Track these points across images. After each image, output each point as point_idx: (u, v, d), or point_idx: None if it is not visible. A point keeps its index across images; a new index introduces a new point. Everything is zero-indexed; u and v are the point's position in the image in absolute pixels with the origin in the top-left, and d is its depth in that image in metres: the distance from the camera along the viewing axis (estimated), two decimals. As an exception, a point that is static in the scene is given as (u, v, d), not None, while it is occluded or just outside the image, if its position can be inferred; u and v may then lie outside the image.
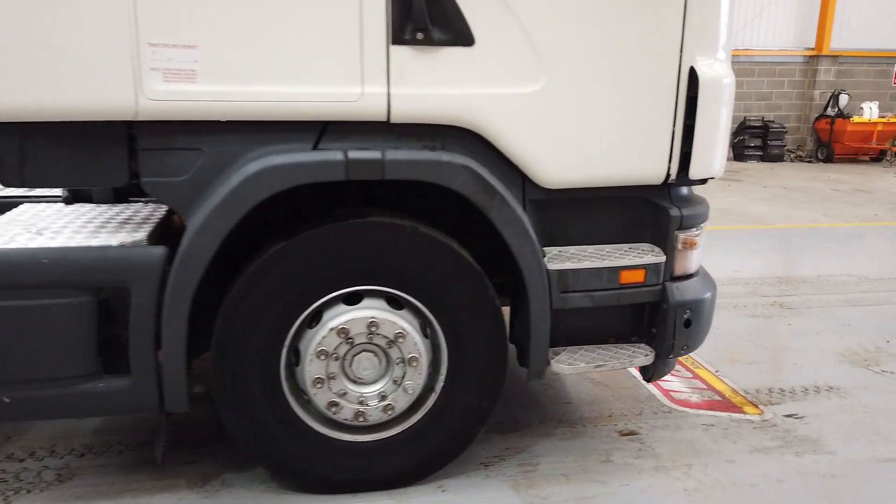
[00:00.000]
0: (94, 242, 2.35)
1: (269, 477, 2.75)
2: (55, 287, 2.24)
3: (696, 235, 2.75)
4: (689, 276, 2.82)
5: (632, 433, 3.24)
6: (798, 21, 16.19)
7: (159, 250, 2.32)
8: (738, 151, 15.79)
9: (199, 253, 2.30)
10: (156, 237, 2.50)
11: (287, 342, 2.50)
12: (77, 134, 2.23)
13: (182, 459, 2.93)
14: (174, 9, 2.13)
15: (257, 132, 2.34)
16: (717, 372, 3.95)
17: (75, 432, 3.14)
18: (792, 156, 16.25)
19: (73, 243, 2.34)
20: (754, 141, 15.78)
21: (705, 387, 3.76)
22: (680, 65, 2.54)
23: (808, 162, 15.91)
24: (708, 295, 2.83)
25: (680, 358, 4.02)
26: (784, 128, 15.90)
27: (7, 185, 2.29)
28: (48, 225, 2.53)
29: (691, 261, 2.79)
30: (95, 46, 2.12)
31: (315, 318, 2.54)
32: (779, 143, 15.77)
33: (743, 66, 16.05)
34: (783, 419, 3.39)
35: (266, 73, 2.24)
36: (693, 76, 2.53)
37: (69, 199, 2.93)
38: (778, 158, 15.74)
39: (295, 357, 2.56)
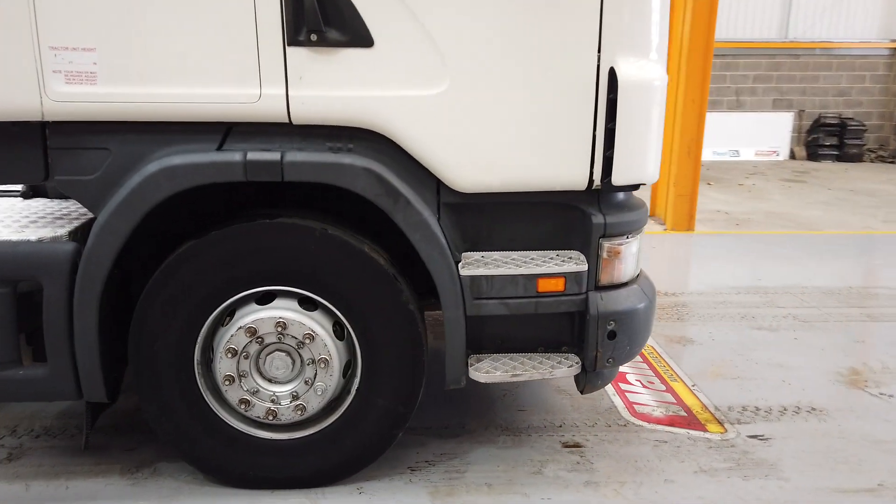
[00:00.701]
0: (16, 237, 2.47)
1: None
2: (-34, 280, 2.38)
3: (621, 244, 2.62)
4: (619, 286, 2.69)
5: (576, 445, 3.13)
6: (883, 10, 15.10)
7: (69, 246, 2.42)
8: (812, 150, 14.95)
9: (103, 250, 2.38)
10: (82, 233, 2.60)
11: (200, 339, 2.56)
12: (-7, 133, 2.35)
13: (125, 447, 3.05)
14: (72, 12, 2.21)
15: (163, 133, 2.39)
16: (693, 386, 3.76)
17: (39, 414, 3.32)
18: (872, 156, 15.20)
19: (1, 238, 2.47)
20: (830, 140, 14.87)
21: (674, 401, 3.58)
22: (598, 66, 2.42)
23: (889, 163, 14.84)
24: (640, 306, 2.70)
25: (659, 369, 3.88)
26: (864, 126, 14.89)
27: (-72, 182, 2.44)
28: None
29: (620, 270, 2.66)
30: (8, 53, 2.22)
31: (229, 317, 2.58)
32: (857, 141, 14.79)
33: (819, 59, 15.15)
34: (745, 440, 3.20)
35: (165, 75, 2.29)
36: (613, 78, 2.41)
37: (27, 194, 3.10)
38: (856, 158, 14.77)
39: (211, 354, 2.61)
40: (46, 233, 2.51)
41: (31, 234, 2.48)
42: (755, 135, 15.68)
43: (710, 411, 3.47)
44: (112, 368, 2.58)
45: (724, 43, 14.96)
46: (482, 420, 3.34)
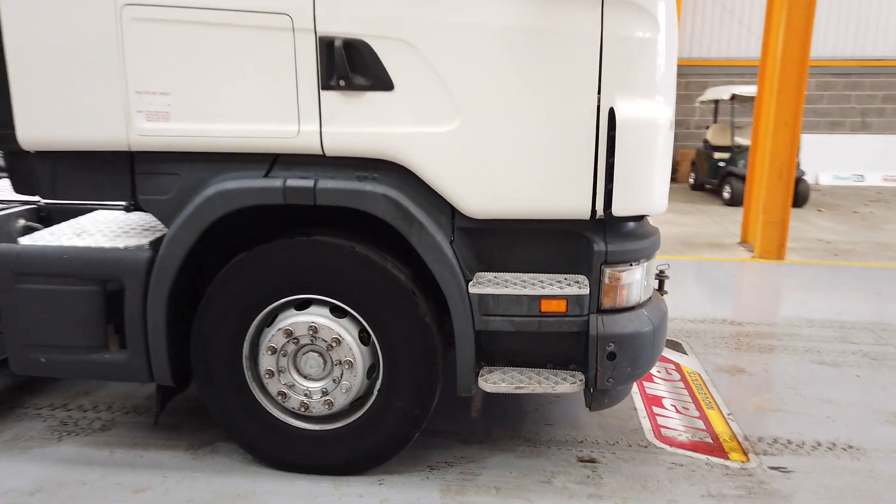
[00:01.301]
0: (108, 244, 3.01)
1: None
2: (72, 277, 2.94)
3: (622, 271, 2.79)
4: (623, 310, 2.85)
5: (591, 460, 3.29)
6: None
7: (146, 254, 2.93)
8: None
9: (171, 258, 2.86)
10: (159, 244, 3.10)
11: (248, 337, 2.99)
12: (92, 160, 2.90)
13: (194, 428, 3.54)
14: (152, 63, 2.71)
15: (222, 161, 2.85)
16: (729, 415, 3.78)
17: (131, 395, 3.91)
18: None
19: (96, 244, 3.03)
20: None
21: (703, 428, 3.63)
22: (599, 106, 2.63)
23: None
24: (641, 330, 2.84)
25: (699, 396, 3.94)
26: None
27: (44, 198, 3.04)
28: (89, 228, 3.27)
29: (622, 295, 2.83)
30: (99, 95, 2.76)
31: (273, 319, 3.00)
32: None
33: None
34: (765, 470, 3.21)
35: (222, 114, 2.75)
36: (612, 117, 2.61)
37: (129, 208, 3.68)
38: None
39: (257, 350, 3.03)
40: (132, 242, 3.04)
41: (120, 243, 3.02)
42: (883, 159, 14.69)
43: (737, 440, 3.50)
44: (178, 358, 3.06)
45: (848, 61, 14.18)
46: (507, 430, 3.57)
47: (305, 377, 3.02)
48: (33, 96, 2.80)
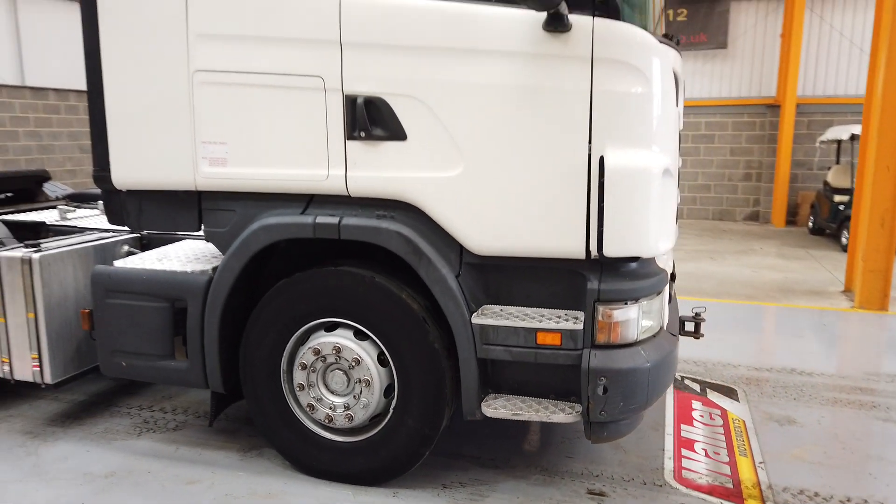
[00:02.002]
0: (179, 269, 3.56)
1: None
2: (148, 294, 3.50)
3: (615, 309, 2.93)
4: (619, 346, 2.99)
5: (600, 494, 3.39)
6: None
7: (205, 277, 3.44)
8: None
9: (223, 282, 3.35)
10: (223, 269, 3.61)
11: (285, 354, 3.41)
12: (169, 198, 3.47)
13: (248, 433, 4.00)
14: (214, 118, 3.24)
15: (269, 200, 3.32)
16: (761, 463, 3.72)
17: (204, 402, 4.44)
18: None
19: (170, 268, 3.58)
20: None
21: (728, 473, 3.60)
22: (590, 154, 2.83)
23: None
24: (637, 366, 2.95)
25: (735, 442, 3.92)
26: None
27: (131, 228, 3.65)
28: (170, 254, 3.85)
29: (617, 332, 2.96)
30: (174, 144, 3.33)
31: (307, 339, 3.40)
32: None
33: None
34: (778, 520, 3.17)
35: (268, 160, 3.22)
36: (602, 165, 2.80)
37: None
38: None
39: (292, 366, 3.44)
40: (198, 267, 3.57)
41: (189, 267, 3.56)
42: None
43: (759, 488, 3.45)
44: (230, 368, 3.53)
45: None
46: (526, 459, 3.73)
47: (332, 392, 3.38)
48: (125, 145, 3.42)
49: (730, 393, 4.76)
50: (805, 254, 10.87)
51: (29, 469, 3.62)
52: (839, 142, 12.61)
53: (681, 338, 3.98)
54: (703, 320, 3.97)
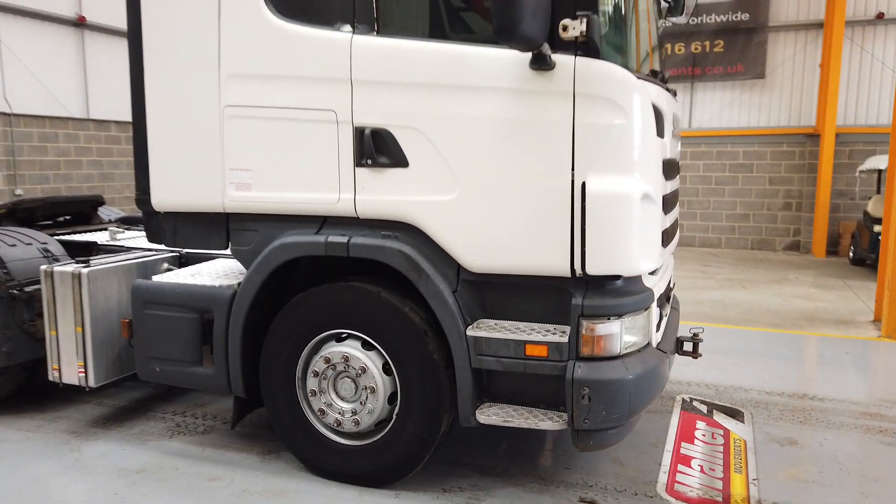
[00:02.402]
0: (208, 283, 3.92)
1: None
2: (179, 306, 3.87)
3: (597, 324, 3.15)
4: (603, 358, 3.19)
5: (591, 502, 3.56)
6: None
7: (229, 291, 3.79)
8: None
9: (245, 295, 3.69)
10: (247, 284, 3.96)
11: (300, 362, 3.71)
12: (201, 219, 3.86)
13: (270, 438, 4.31)
14: (241, 147, 3.62)
15: (288, 221, 3.66)
16: (754, 480, 3.83)
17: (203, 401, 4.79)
18: None
19: (201, 283, 3.95)
20: None
21: (720, 489, 3.73)
22: (573, 181, 3.09)
23: None
24: (618, 378, 3.14)
25: (732, 460, 4.04)
26: None
27: (167, 246, 4.04)
28: (202, 271, 4.23)
29: (600, 345, 3.16)
30: (206, 170, 3.71)
31: (319, 348, 3.70)
32: None
33: None
34: (760, 531, 3.29)
35: (287, 185, 3.57)
36: (584, 190, 3.05)
37: (239, 257, 4.64)
38: None
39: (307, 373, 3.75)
40: (224, 282, 3.93)
41: (216, 282, 3.92)
42: None
43: (748, 503, 3.57)
44: (252, 376, 3.85)
45: None
46: (526, 468, 3.93)
47: (341, 398, 3.66)
48: (164, 171, 3.84)
49: (736, 414, 4.85)
50: (841, 284, 10.74)
51: (71, 463, 4.00)
52: (879, 171, 12.45)
53: (694, 360, 4.18)
54: (701, 340, 4.14)
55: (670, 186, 3.87)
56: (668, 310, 4.11)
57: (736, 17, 14.21)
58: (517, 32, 2.82)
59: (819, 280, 11.08)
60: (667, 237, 3.78)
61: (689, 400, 5.09)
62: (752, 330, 7.47)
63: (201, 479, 3.79)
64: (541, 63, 3.02)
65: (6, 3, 11.97)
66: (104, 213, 6.54)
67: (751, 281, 10.83)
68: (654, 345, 3.54)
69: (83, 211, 6.29)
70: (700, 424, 4.65)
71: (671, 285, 4.41)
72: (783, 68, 14.30)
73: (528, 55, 3.04)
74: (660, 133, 3.35)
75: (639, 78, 3.19)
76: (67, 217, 6.20)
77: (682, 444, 4.32)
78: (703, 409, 4.95)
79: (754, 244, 14.80)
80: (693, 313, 8.04)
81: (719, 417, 4.79)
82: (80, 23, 13.28)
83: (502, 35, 2.84)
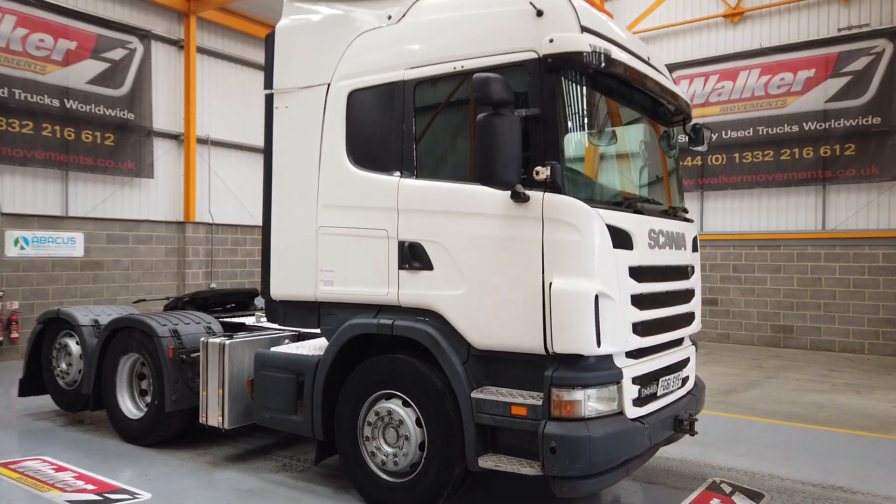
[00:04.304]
0: (304, 353, 5.35)
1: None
2: (282, 369, 5.33)
3: (563, 391, 4.07)
4: (570, 420, 4.09)
5: (575, 544, 4.35)
6: None
7: (315, 359, 5.17)
8: None
9: (324, 363, 5.05)
10: (332, 355, 5.34)
11: (361, 413, 4.95)
12: (300, 306, 5.35)
13: (345, 478, 5.53)
14: (327, 253, 5.10)
15: (356, 308, 5.02)
16: (732, 544, 4.37)
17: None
18: None
19: (299, 353, 5.39)
20: None
21: (695, 546, 4.33)
22: (543, 281, 4.16)
23: None
24: (577, 435, 4.02)
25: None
26: None
27: (279, 325, 5.56)
28: (305, 346, 5.69)
29: (567, 409, 4.07)
30: (305, 271, 5.23)
31: (373, 404, 4.93)
32: None
33: None
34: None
35: (356, 281, 4.96)
36: (550, 289, 4.11)
37: (337, 337, 6.07)
38: None
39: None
40: (315, 353, 5.33)
41: (309, 353, 5.34)
42: None
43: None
44: (330, 424, 5.14)
45: None
46: (535, 517, 4.78)
47: (387, 444, 4.83)
48: (279, 271, 5.44)
49: (756, 497, 5.29)
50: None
51: (205, 482, 5.49)
52: None
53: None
54: (696, 420, 4.83)
55: (666, 287, 4.77)
56: (675, 389, 4.87)
57: (867, 120, 14.17)
58: (495, 178, 4.07)
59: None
60: (659, 327, 4.65)
61: (717, 482, 5.59)
62: (830, 430, 7.54)
63: (289, 500, 5.08)
64: (517, 198, 4.20)
65: (215, 139, 15.24)
66: (258, 301, 8.40)
67: (871, 387, 10.46)
68: (631, 416, 4.36)
69: (242, 300, 8.19)
70: (714, 502, 5.18)
71: (684, 371, 5.12)
72: (924, 169, 13.85)
73: (509, 192, 4.23)
74: (622, 246, 4.32)
75: (607, 205, 4.29)
76: (232, 305, 8.12)
77: (687, 513, 4.91)
78: (727, 489, 5.44)
79: (904, 351, 13.91)
80: (779, 412, 8.24)
81: (738, 499, 5.26)
82: (268, 149, 16.36)
83: (485, 180, 4.10)
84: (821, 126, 14.48)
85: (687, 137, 5.79)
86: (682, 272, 5.17)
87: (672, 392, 4.94)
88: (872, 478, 5.85)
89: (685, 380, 5.21)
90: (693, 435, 4.81)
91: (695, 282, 5.41)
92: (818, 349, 14.38)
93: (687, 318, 5.24)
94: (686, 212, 5.67)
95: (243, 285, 15.88)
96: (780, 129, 14.90)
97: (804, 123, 14.69)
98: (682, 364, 5.18)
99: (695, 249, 5.49)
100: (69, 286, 12.56)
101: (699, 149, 5.81)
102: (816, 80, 14.59)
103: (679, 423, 4.82)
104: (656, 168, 5.45)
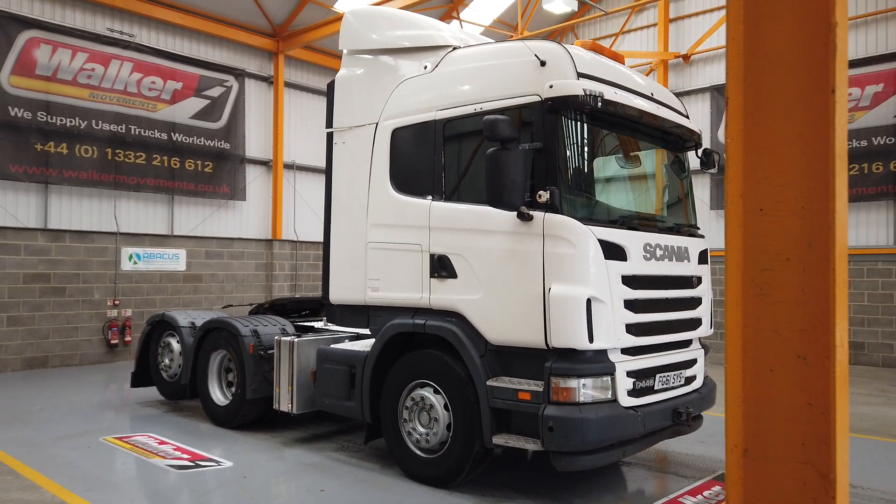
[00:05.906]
0: (355, 349, 6.33)
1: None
2: (338, 362, 6.33)
3: (560, 379, 4.83)
4: (565, 404, 4.84)
5: (575, 513, 5.07)
6: None
7: (364, 354, 6.13)
8: None
9: (371, 357, 6.00)
10: (380, 351, 6.29)
11: (401, 399, 5.86)
12: (352, 309, 6.35)
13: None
14: (374, 265, 6.09)
15: (397, 311, 5.96)
16: (716, 520, 4.97)
17: (378, 445, 7.05)
18: None
19: (353, 349, 6.38)
20: None
21: (682, 520, 4.96)
22: (544, 287, 4.95)
23: None
24: (571, 417, 4.76)
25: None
26: None
27: (337, 325, 6.58)
28: (358, 343, 6.66)
29: (564, 394, 4.82)
30: (356, 279, 6.23)
31: (410, 391, 5.83)
32: None
33: None
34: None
35: (396, 289, 5.91)
36: (549, 292, 4.90)
37: (388, 338, 7.04)
38: None
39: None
40: (365, 349, 6.30)
41: (361, 349, 6.31)
42: None
43: (693, 529, 4.78)
44: (375, 409, 6.07)
45: None
46: (545, 492, 5.52)
47: (421, 425, 5.71)
48: (336, 278, 6.48)
49: (757, 487, 5.80)
50: None
51: (276, 457, 6.56)
52: None
53: None
54: (690, 413, 5.45)
55: (665, 294, 5.46)
56: (676, 385, 5.53)
57: (939, 133, 13.93)
58: (501, 201, 4.93)
59: None
60: (658, 329, 5.34)
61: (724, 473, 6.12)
62: (860, 436, 7.80)
63: (342, 472, 6.06)
64: (522, 217, 5.03)
65: (300, 164, 16.73)
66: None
67: (930, 402, 10.40)
68: (625, 404, 5.06)
69: (315, 307, 9.32)
70: (715, 488, 5.74)
71: (689, 370, 5.75)
72: None
73: (515, 212, 5.06)
74: (615, 258, 5.05)
75: (602, 223, 5.06)
76: (306, 312, 9.27)
77: (686, 495, 5.51)
78: (732, 481, 5.96)
79: (984, 370, 13.48)
80: (815, 421, 8.49)
81: (740, 487, 5.79)
82: (348, 172, 17.74)
83: (492, 203, 4.96)
84: (891, 140, 14.35)
85: (699, 161, 6.42)
86: (686, 282, 5.81)
87: (672, 388, 5.57)
88: (888, 478, 6.20)
89: (690, 378, 5.82)
90: (689, 427, 5.43)
91: (702, 290, 6.02)
92: (890, 366, 14.16)
93: (692, 323, 5.86)
94: (697, 228, 6.29)
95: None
96: (850, 145, 14.81)
97: (873, 138, 14.59)
98: (687, 364, 5.79)
99: (702, 262, 6.09)
100: (173, 297, 14.22)
101: (710, 171, 6.42)
102: (886, 95, 14.49)
103: (677, 415, 5.45)
104: (661, 190, 6.12)
